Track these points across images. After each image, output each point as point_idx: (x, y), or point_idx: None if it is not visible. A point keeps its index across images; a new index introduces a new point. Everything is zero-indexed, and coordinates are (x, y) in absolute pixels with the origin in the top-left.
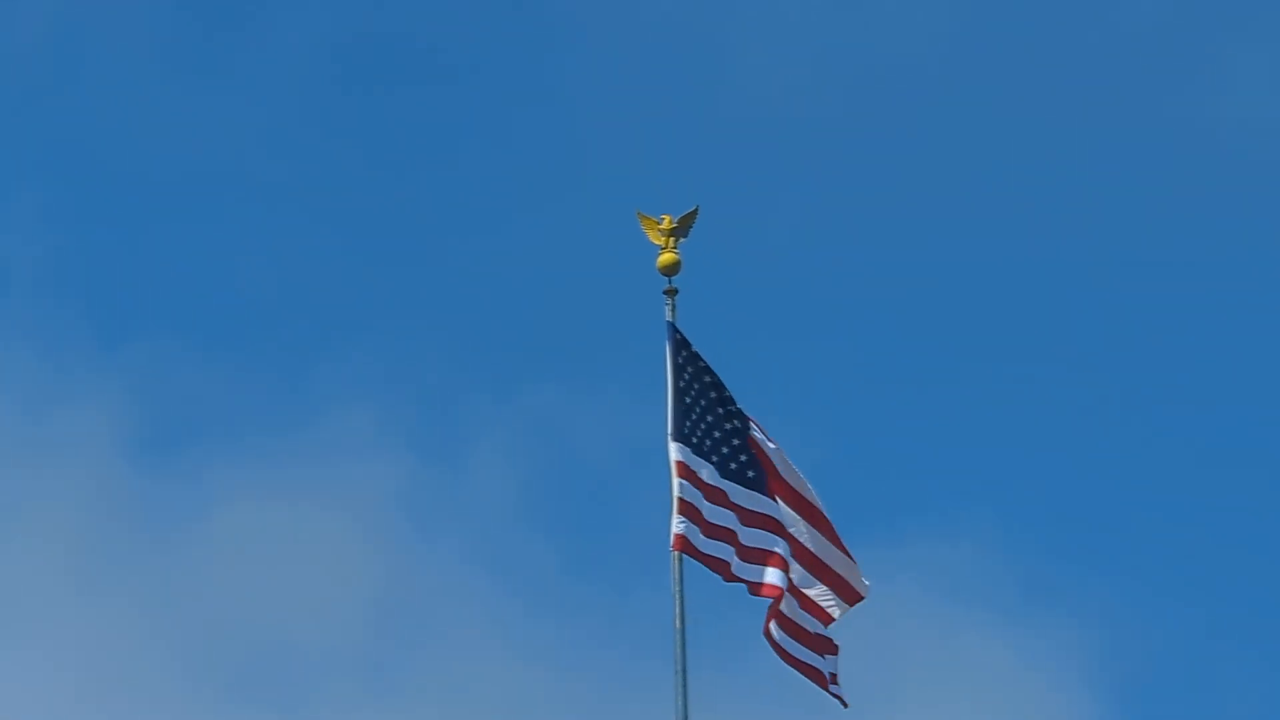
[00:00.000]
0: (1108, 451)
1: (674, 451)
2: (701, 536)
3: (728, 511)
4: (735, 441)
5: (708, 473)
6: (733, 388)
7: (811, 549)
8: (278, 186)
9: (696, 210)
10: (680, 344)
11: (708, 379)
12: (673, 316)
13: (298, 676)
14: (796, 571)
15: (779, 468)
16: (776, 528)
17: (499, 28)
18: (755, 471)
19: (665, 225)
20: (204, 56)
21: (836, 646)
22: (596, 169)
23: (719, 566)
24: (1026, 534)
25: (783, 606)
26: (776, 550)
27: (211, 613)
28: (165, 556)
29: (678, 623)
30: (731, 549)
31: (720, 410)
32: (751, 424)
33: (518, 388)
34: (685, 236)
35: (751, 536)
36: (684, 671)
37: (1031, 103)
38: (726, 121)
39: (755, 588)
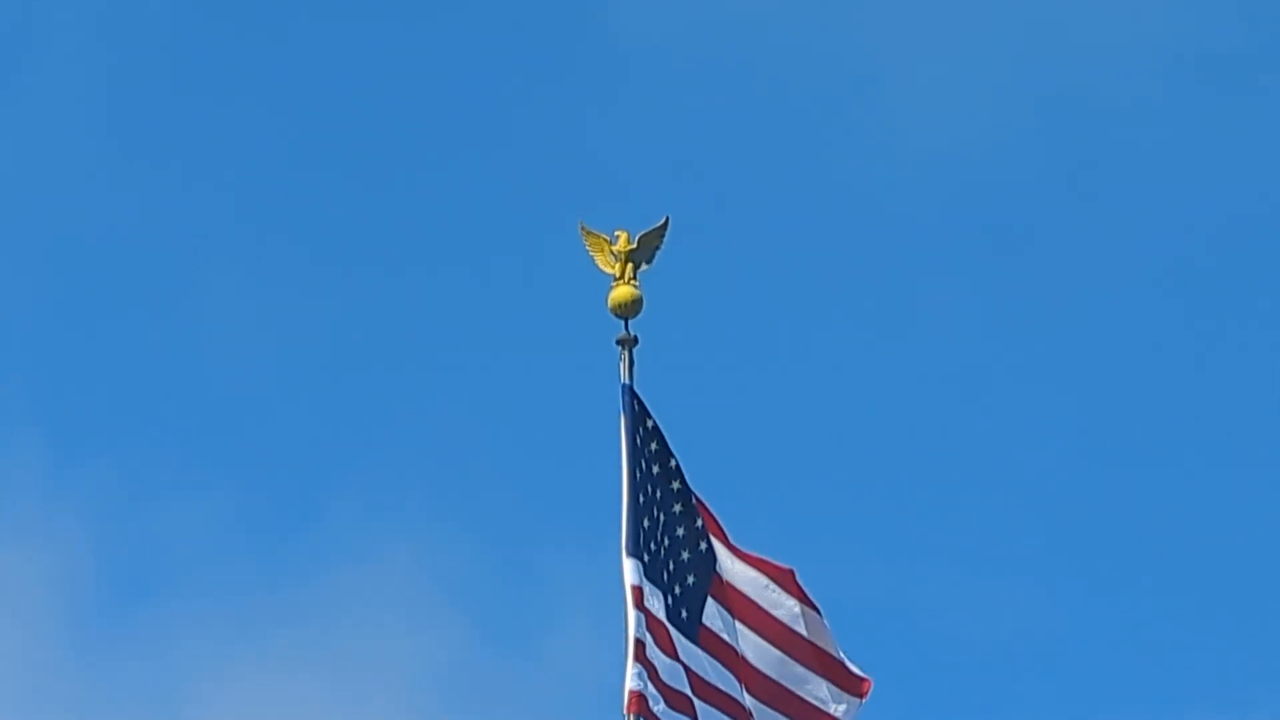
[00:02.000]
0: None
1: (629, 572)
2: (664, 705)
3: (680, 670)
4: (683, 556)
5: (659, 605)
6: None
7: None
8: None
9: (666, 224)
10: (640, 416)
11: (672, 464)
12: (629, 376)
13: None
14: None
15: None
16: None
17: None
18: (689, 610)
19: (620, 245)
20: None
21: None
22: (535, 174)
23: None
24: None
25: None
26: None
27: None
28: None
29: None
30: None
31: (676, 509)
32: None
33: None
34: (649, 262)
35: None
36: None
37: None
38: (699, 117)
39: None
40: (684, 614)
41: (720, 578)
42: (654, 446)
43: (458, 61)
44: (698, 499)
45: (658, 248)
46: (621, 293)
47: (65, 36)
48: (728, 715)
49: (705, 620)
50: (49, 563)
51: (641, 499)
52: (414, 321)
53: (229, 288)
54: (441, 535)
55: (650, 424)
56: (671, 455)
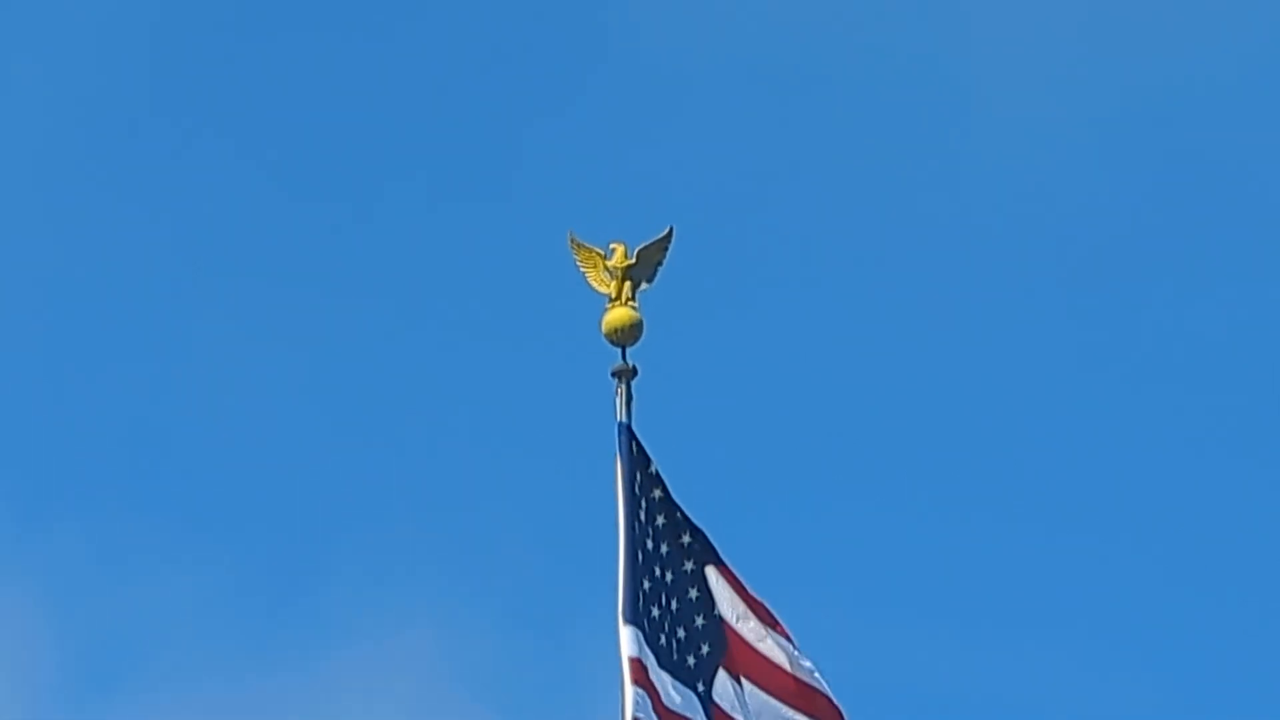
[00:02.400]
0: None
1: (627, 643)
2: None
3: None
4: (696, 622)
5: (668, 685)
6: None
7: None
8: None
9: (669, 235)
10: (637, 460)
11: (670, 513)
12: (626, 413)
13: None
14: None
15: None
16: None
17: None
18: (704, 683)
19: (616, 260)
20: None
21: None
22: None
23: None
24: None
25: None
26: None
27: None
28: None
29: None
30: None
31: (681, 567)
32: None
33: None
34: (650, 281)
35: None
36: None
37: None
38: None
39: None
40: (699, 686)
41: (734, 642)
42: (657, 494)
43: (435, 58)
44: (726, 567)
45: (660, 263)
46: (618, 316)
47: (52, 36)
48: None
49: (716, 698)
50: (3, 647)
51: (641, 556)
52: (407, 352)
53: (210, 335)
54: (459, 612)
55: (652, 469)
56: (669, 502)
